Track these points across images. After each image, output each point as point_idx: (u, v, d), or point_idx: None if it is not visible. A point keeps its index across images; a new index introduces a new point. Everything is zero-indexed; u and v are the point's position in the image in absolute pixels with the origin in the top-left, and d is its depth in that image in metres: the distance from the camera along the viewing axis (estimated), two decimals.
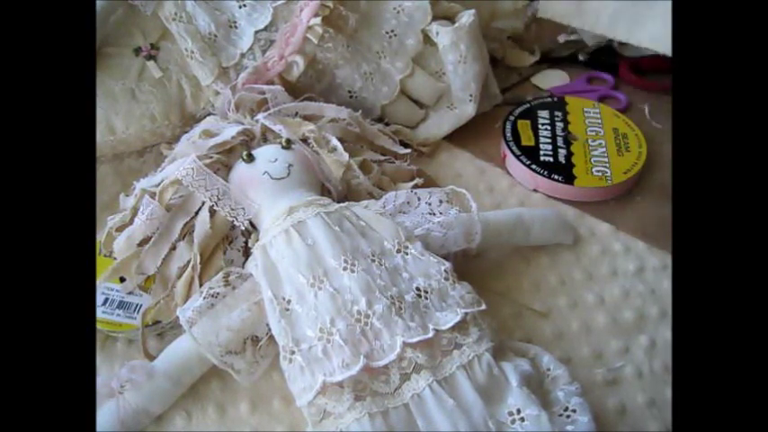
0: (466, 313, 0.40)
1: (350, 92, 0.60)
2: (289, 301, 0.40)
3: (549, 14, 0.71)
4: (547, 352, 0.41)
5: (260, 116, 0.52)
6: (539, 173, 0.56)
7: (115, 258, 0.45)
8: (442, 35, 0.57)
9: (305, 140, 0.51)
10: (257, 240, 0.44)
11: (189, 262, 0.45)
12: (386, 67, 0.59)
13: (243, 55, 0.58)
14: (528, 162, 0.57)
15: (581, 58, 0.73)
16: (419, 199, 0.47)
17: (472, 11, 0.59)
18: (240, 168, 0.47)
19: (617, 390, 0.43)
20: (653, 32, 0.63)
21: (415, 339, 0.38)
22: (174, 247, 0.45)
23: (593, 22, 0.67)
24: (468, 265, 0.48)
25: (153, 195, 0.45)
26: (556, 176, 0.56)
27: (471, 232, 0.46)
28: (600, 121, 0.62)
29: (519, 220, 0.49)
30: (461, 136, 0.61)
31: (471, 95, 0.59)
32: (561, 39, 0.74)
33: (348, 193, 0.50)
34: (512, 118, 0.62)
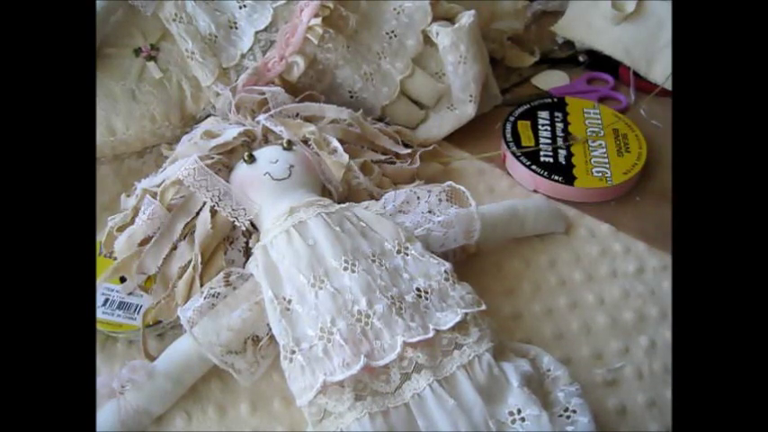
0: (466, 313, 0.40)
1: (350, 92, 0.60)
2: (289, 301, 0.40)
3: (567, 34, 0.72)
4: (547, 352, 0.41)
5: (261, 117, 0.52)
6: (539, 173, 0.56)
7: (115, 258, 0.45)
8: (442, 36, 0.57)
9: (305, 142, 0.51)
10: (258, 241, 0.44)
11: (190, 262, 0.45)
12: (386, 68, 0.59)
13: (243, 55, 0.58)
14: (528, 163, 0.57)
15: (581, 59, 0.73)
16: (418, 198, 0.47)
17: (472, 12, 0.59)
18: (241, 169, 0.47)
19: (617, 390, 0.44)
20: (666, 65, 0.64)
21: (415, 339, 0.38)
22: (174, 247, 0.45)
23: (612, 47, 0.69)
24: (468, 265, 0.48)
25: (154, 195, 0.45)
26: (556, 177, 0.56)
27: (471, 229, 0.46)
28: (600, 121, 0.62)
29: (513, 212, 0.50)
30: (461, 136, 0.61)
31: (471, 96, 0.59)
32: (560, 39, 0.75)
33: (349, 194, 0.50)
34: (512, 118, 0.62)
